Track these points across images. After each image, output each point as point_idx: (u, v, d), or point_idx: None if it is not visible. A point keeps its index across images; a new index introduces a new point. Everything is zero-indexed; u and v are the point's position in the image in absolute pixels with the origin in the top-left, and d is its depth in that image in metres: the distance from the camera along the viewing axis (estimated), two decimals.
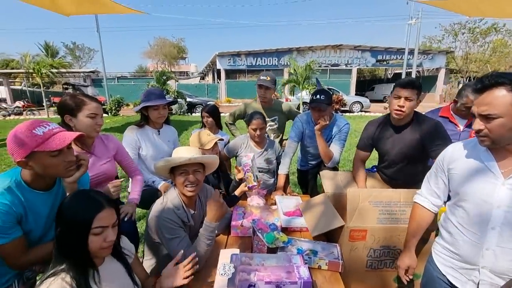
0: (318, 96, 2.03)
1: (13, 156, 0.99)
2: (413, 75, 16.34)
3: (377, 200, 1.50)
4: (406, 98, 1.58)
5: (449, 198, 1.20)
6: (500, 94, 0.88)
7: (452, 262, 1.12)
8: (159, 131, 2.13)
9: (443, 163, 1.17)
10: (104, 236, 0.92)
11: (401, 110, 1.60)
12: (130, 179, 1.88)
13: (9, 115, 14.54)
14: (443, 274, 1.16)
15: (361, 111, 15.01)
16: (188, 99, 14.58)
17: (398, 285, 1.54)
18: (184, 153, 1.42)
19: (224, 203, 1.39)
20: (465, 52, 23.75)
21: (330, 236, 1.60)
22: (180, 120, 11.45)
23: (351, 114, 14.24)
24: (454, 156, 1.13)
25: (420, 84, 1.63)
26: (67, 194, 1.15)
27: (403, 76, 16.53)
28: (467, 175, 1.05)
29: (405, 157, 1.74)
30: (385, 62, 23.43)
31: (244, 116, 2.78)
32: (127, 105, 15.99)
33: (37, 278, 1.33)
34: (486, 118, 0.91)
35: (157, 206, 1.39)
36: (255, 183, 1.83)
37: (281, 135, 2.84)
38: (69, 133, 1.07)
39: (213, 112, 2.68)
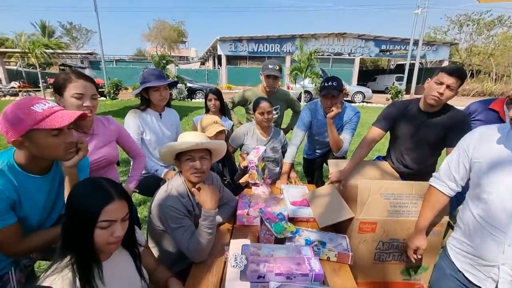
0: (330, 82, 1.95)
1: (7, 135, 0.90)
2: (416, 67, 16.15)
3: (388, 192, 1.45)
4: (448, 87, 1.49)
5: (467, 186, 1.15)
6: None
7: (470, 258, 1.07)
8: (161, 114, 2.03)
9: (468, 148, 1.09)
10: (111, 230, 0.84)
11: (439, 98, 1.52)
12: (132, 161, 1.80)
13: (4, 96, 14.26)
14: (459, 271, 1.11)
15: (363, 101, 14.90)
16: (188, 85, 14.35)
17: (404, 278, 1.52)
18: (190, 138, 1.35)
19: (216, 188, 1.34)
20: (470, 44, 23.44)
21: (337, 227, 1.57)
22: (180, 105, 11.30)
23: (353, 104, 14.11)
24: (482, 143, 1.05)
25: (466, 75, 1.55)
26: (65, 179, 1.07)
27: (407, 67, 16.31)
28: (494, 165, 0.98)
29: (426, 144, 1.70)
30: (388, 53, 23.10)
31: (244, 103, 2.70)
32: (126, 88, 15.71)
33: (35, 266, 1.29)
34: None
35: (161, 193, 1.33)
36: (257, 181, 1.73)
37: (279, 125, 2.78)
38: (71, 111, 0.99)
39: (220, 94, 2.59)
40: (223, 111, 2.67)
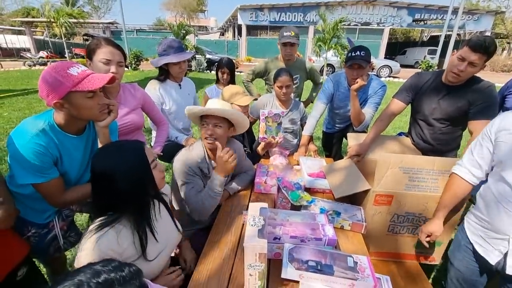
0: (358, 52, 1.85)
1: (47, 98, 0.96)
2: (453, 38, 14.72)
3: (408, 166, 1.43)
4: (471, 63, 1.38)
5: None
6: None
7: (482, 231, 1.11)
8: (180, 85, 2.08)
9: (491, 130, 1.09)
10: (158, 167, 0.97)
11: (458, 75, 1.44)
12: (155, 129, 1.89)
13: (34, 65, 14.88)
14: (470, 243, 1.16)
15: (389, 76, 14.06)
16: (207, 56, 14.16)
17: (417, 250, 1.55)
18: (211, 105, 1.39)
19: (232, 157, 1.36)
20: None
21: (353, 199, 1.60)
22: (198, 77, 11.29)
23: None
24: (505, 125, 1.04)
25: (495, 49, 1.39)
26: (98, 138, 1.16)
27: (441, 39, 14.91)
28: None
29: (449, 118, 1.63)
30: (422, 22, 21.15)
31: (264, 74, 2.65)
32: (146, 59, 15.85)
33: (74, 216, 1.45)
34: None
35: (181, 152, 1.43)
36: (265, 136, 1.75)
37: (299, 95, 2.72)
38: (101, 74, 1.04)
39: (232, 66, 2.55)
40: (233, 82, 2.62)
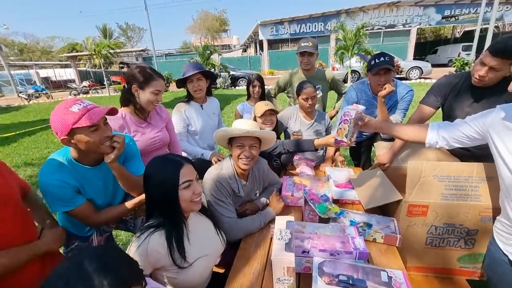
0: (381, 58, 1.81)
1: (57, 135, 1.06)
2: (490, 31, 13.58)
3: (443, 174, 1.35)
4: (492, 68, 1.29)
5: None
6: None
7: None
8: (201, 105, 2.16)
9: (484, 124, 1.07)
10: (192, 189, 1.02)
11: (479, 80, 1.37)
12: (169, 149, 1.95)
13: (78, 94, 16.55)
14: (504, 254, 1.05)
15: (420, 77, 13.33)
16: (231, 72, 14.68)
17: (462, 265, 1.43)
18: (243, 125, 1.43)
19: (282, 201, 1.56)
20: None
21: (385, 211, 1.53)
22: (224, 94, 11.70)
23: (407, 81, 12.78)
24: (495, 122, 1.02)
25: None
26: (113, 172, 1.23)
27: (477, 34, 13.87)
28: None
29: None
30: (453, 19, 19.91)
31: (285, 87, 2.69)
32: (175, 81, 16.83)
33: (112, 232, 1.58)
34: None
35: (212, 172, 1.46)
36: (344, 139, 1.41)
37: (323, 106, 2.70)
38: (103, 108, 1.11)
39: (262, 81, 2.62)
40: (264, 97, 2.70)
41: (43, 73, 23.91)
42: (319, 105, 2.60)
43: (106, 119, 1.14)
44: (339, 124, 1.42)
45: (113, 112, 1.14)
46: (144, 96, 1.56)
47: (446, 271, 1.46)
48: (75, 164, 1.17)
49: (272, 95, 2.82)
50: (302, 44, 2.39)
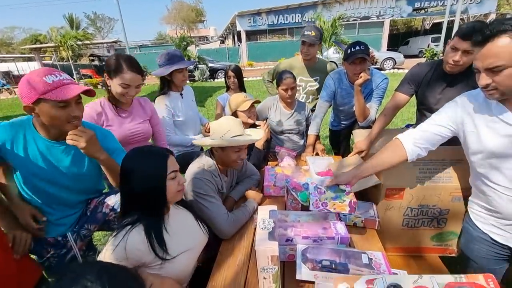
0: (357, 47, 1.83)
1: (22, 100, 0.98)
2: (456, 23, 14.34)
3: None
4: (465, 52, 1.35)
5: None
6: (504, 43, 0.82)
7: (493, 220, 1.07)
8: (181, 94, 2.11)
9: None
10: (178, 179, 0.99)
11: (454, 65, 1.42)
12: (154, 142, 1.89)
13: None
14: (484, 233, 1.12)
15: (393, 68, 13.85)
16: (209, 65, 14.35)
17: (435, 243, 1.51)
18: (238, 129, 1.40)
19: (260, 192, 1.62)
20: None
21: (364, 196, 1.58)
22: (203, 86, 11.45)
23: (382, 72, 13.18)
24: (467, 109, 1.07)
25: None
26: (102, 166, 1.15)
27: (444, 25, 14.59)
28: (486, 132, 0.99)
29: None
30: (423, 11, 20.77)
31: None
32: (150, 73, 16.19)
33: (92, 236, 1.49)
34: (492, 71, 0.86)
35: (194, 169, 1.38)
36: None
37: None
38: (79, 86, 1.03)
39: (239, 72, 2.59)
40: (243, 88, 2.66)
41: (3, 66, 21.97)
42: (314, 96, 2.60)
43: (80, 97, 1.05)
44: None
45: (90, 93, 1.08)
46: (113, 87, 1.47)
47: (421, 250, 1.54)
48: (33, 130, 1.08)
49: (270, 80, 2.77)
50: (306, 32, 2.31)
